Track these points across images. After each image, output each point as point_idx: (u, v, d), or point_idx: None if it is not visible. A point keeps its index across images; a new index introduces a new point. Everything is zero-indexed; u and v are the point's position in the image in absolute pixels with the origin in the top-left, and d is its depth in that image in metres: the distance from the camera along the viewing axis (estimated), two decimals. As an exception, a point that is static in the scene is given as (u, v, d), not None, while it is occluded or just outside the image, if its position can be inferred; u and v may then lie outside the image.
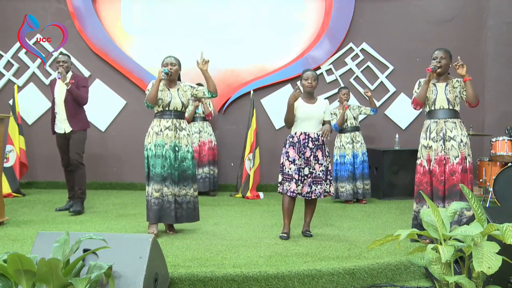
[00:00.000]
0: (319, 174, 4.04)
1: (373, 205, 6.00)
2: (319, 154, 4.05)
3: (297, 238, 4.04)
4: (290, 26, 7.32)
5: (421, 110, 6.94)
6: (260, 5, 7.35)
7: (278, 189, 4.10)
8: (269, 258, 3.38)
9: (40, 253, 2.46)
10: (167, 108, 4.08)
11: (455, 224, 3.55)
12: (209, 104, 6.80)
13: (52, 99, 5.24)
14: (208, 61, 4.14)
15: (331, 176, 4.13)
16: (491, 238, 2.50)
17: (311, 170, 4.02)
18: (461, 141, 3.80)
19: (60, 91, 5.11)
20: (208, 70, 4.15)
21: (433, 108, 3.89)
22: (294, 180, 3.98)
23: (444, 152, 3.79)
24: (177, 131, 4.08)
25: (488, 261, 2.31)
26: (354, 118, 6.22)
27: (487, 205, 5.54)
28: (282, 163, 4.07)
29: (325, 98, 7.08)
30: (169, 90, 4.12)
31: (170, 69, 4.09)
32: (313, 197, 4.03)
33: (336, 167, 6.21)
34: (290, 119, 4.05)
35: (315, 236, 4.13)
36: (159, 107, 4.09)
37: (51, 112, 5.26)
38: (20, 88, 7.19)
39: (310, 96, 4.14)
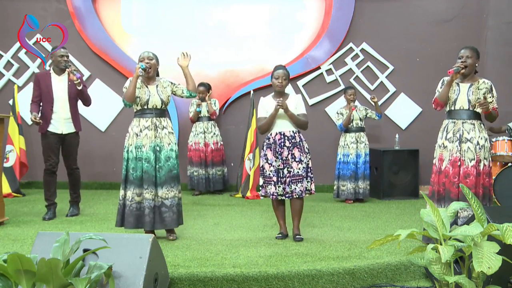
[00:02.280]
0: (298, 172, 3.93)
1: (373, 205, 6.00)
2: (296, 151, 3.96)
3: (297, 238, 4.04)
4: (290, 26, 7.32)
5: (421, 110, 7.04)
6: (260, 5, 7.35)
7: (261, 192, 4.07)
8: (269, 258, 3.38)
9: (40, 253, 2.46)
10: (145, 107, 3.87)
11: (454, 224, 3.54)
12: (215, 102, 6.82)
13: (38, 93, 4.84)
14: (189, 56, 3.95)
15: (312, 174, 4.04)
16: (491, 238, 2.49)
17: (289, 169, 3.94)
18: (478, 143, 3.68)
19: (62, 89, 4.85)
20: (188, 67, 3.96)
21: (453, 108, 3.76)
22: (273, 182, 3.95)
23: (460, 153, 3.68)
24: (158, 130, 3.87)
25: (488, 261, 2.31)
26: (360, 119, 6.26)
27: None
28: (262, 166, 4.03)
29: (325, 98, 7.19)
30: (147, 87, 3.91)
31: (147, 63, 3.87)
32: (294, 196, 3.93)
33: (339, 166, 6.26)
34: (266, 128, 4.03)
35: (315, 236, 4.13)
36: (137, 105, 3.90)
37: (35, 105, 4.83)
38: (20, 88, 7.18)
39: (280, 94, 4.08)
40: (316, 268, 3.12)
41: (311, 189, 4.02)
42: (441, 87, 3.85)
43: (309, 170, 4.01)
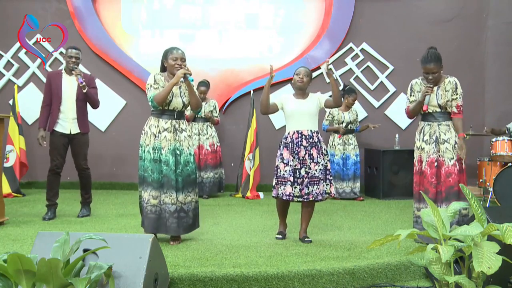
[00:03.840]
0: (314, 174, 3.83)
1: (373, 205, 6.00)
2: (314, 152, 3.86)
3: (297, 238, 4.03)
4: (290, 26, 7.32)
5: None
6: (260, 5, 7.36)
7: (272, 193, 3.94)
8: (269, 258, 3.38)
9: (40, 253, 2.45)
10: (166, 108, 3.73)
11: (454, 224, 3.58)
12: (215, 107, 6.63)
13: (49, 93, 4.86)
14: (187, 74, 3.67)
15: (330, 176, 3.94)
16: (491, 238, 2.50)
17: (307, 170, 3.83)
18: (455, 142, 3.82)
19: (70, 89, 4.83)
20: (191, 84, 3.73)
21: (426, 111, 3.88)
22: (289, 182, 3.80)
23: (438, 154, 3.82)
24: (177, 133, 3.74)
25: (488, 261, 2.31)
26: (350, 121, 6.34)
27: (487, 205, 5.53)
28: (277, 165, 3.90)
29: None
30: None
31: (185, 65, 3.72)
32: (310, 198, 3.82)
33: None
34: (264, 101, 3.91)
35: (315, 236, 4.13)
36: None
37: (47, 108, 4.89)
38: (20, 88, 7.19)
39: (301, 92, 4.01)
40: (316, 268, 3.12)
41: (331, 191, 3.91)
42: (410, 94, 3.97)
43: (327, 172, 3.91)
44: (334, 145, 6.41)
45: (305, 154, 3.85)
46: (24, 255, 2.23)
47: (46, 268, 2.17)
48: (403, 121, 7.16)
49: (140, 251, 2.57)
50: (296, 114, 3.93)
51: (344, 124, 6.35)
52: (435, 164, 3.81)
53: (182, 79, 3.69)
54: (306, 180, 3.83)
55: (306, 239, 3.91)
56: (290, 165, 3.84)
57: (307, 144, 3.87)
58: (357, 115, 6.53)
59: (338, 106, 4.05)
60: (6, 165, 6.50)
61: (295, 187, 3.82)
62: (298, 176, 3.83)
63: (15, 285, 2.29)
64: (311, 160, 3.85)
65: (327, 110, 6.35)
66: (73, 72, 4.75)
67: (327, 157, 3.97)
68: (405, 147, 6.69)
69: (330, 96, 4.04)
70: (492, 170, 5.82)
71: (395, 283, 3.24)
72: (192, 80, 3.72)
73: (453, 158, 3.79)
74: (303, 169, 3.84)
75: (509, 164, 5.60)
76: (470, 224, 2.59)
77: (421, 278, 3.30)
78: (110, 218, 4.98)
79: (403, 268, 3.30)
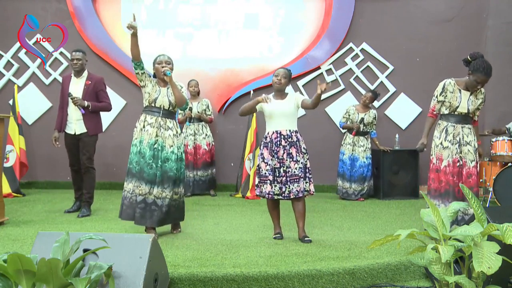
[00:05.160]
0: (294, 172, 3.87)
1: (373, 205, 6.00)
2: (293, 151, 3.91)
3: (297, 238, 4.03)
4: (290, 26, 7.32)
5: (421, 110, 7.04)
6: (260, 5, 7.36)
7: (256, 191, 4.02)
8: (269, 258, 3.38)
9: (40, 253, 2.45)
10: (153, 104, 3.99)
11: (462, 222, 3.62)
12: (207, 105, 6.68)
13: (61, 96, 5.04)
14: (165, 73, 3.95)
15: (310, 174, 3.98)
16: (491, 238, 2.50)
17: (285, 169, 3.89)
18: (475, 146, 3.94)
19: (75, 91, 4.95)
20: (173, 78, 3.97)
21: (453, 113, 3.93)
22: (268, 181, 3.91)
23: (460, 155, 3.90)
24: (161, 129, 3.94)
25: (488, 261, 2.31)
26: (364, 123, 6.32)
27: (487, 205, 5.53)
28: (259, 165, 3.99)
29: (325, 98, 7.18)
30: (159, 87, 4.05)
31: (168, 67, 4.02)
32: (291, 196, 3.88)
33: (339, 162, 6.54)
34: (245, 112, 4.12)
35: (315, 236, 4.13)
36: (146, 101, 4.03)
37: (60, 110, 5.05)
38: (20, 88, 7.19)
39: (280, 94, 4.06)
40: (316, 268, 3.12)
41: (310, 189, 3.95)
42: (440, 93, 3.95)
43: (307, 170, 3.96)
44: (345, 143, 6.45)
45: (283, 153, 3.92)
46: (24, 255, 2.23)
47: (46, 268, 2.17)
48: (403, 121, 7.17)
49: (140, 251, 2.57)
50: (275, 114, 3.98)
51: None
52: (458, 164, 3.90)
53: (164, 77, 3.95)
54: (285, 178, 3.90)
55: (306, 238, 3.91)
56: (270, 165, 3.93)
57: (286, 144, 3.93)
58: (374, 117, 6.46)
59: (313, 108, 4.03)
60: (6, 165, 6.50)
61: (275, 186, 3.91)
62: (277, 175, 3.91)
63: (15, 285, 2.29)
64: (291, 159, 3.91)
65: (347, 108, 6.49)
66: (72, 100, 4.91)
67: (307, 155, 4.00)
68: (405, 147, 6.70)
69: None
70: (492, 170, 5.82)
71: (395, 283, 3.24)
72: (169, 74, 3.94)
73: (474, 160, 3.91)
74: (282, 168, 3.91)
75: (509, 164, 5.60)
76: (470, 224, 2.59)
77: (421, 278, 3.30)
78: (110, 218, 4.97)
79: (403, 268, 3.30)
